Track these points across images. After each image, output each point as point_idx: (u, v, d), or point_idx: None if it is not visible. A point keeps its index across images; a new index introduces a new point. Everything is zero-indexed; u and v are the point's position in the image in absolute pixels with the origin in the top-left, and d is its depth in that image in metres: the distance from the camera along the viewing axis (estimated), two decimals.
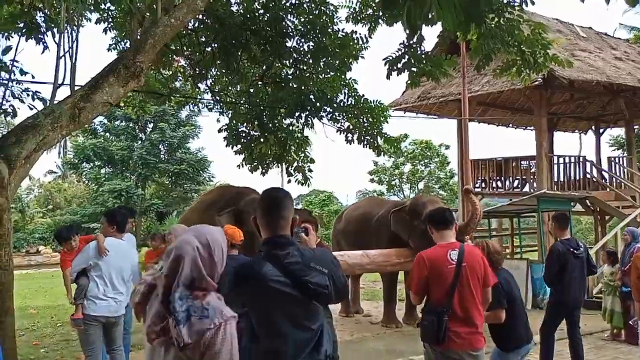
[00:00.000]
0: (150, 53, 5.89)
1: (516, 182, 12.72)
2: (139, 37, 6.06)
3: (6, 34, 4.91)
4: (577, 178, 12.48)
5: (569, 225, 5.40)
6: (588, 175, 12.75)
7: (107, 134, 27.29)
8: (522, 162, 12.52)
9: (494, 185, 12.95)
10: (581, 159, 12.73)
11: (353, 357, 6.12)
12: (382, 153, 8.10)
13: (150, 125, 27.46)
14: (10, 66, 5.06)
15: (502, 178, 12.84)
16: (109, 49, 8.83)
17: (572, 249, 5.00)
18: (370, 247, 7.61)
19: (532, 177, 12.05)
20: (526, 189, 12.26)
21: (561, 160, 12.83)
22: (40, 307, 10.15)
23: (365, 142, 8.03)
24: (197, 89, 10.11)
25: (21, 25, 4.98)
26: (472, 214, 7.04)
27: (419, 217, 7.54)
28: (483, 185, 13.20)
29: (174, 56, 9.07)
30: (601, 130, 16.27)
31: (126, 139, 26.85)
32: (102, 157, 26.05)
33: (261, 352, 2.10)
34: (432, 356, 3.30)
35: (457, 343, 3.14)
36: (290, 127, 8.20)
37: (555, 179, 11.98)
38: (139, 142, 27.03)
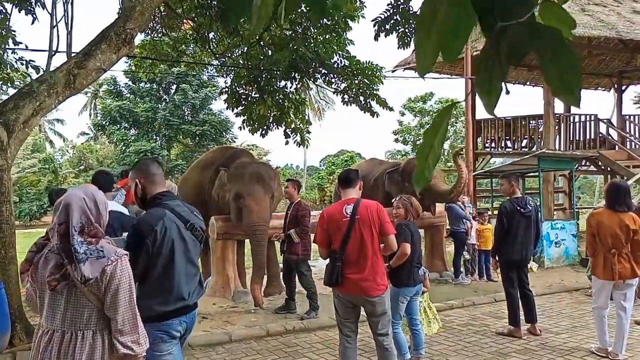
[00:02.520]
0: (139, 20, 6.13)
1: (525, 141, 12.61)
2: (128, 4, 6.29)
3: None
4: (589, 137, 12.29)
5: (520, 184, 5.54)
6: (600, 135, 12.52)
7: (132, 95, 27.90)
8: (531, 122, 12.38)
9: (503, 144, 12.87)
10: (592, 118, 12.47)
11: None
12: (376, 115, 8.19)
13: (174, 87, 27.91)
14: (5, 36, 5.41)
15: (511, 137, 12.74)
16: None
17: (519, 207, 5.14)
18: None
19: (539, 136, 11.93)
20: (535, 148, 12.17)
21: (575, 119, 12.63)
22: None
23: (360, 104, 8.15)
24: (204, 52, 10.30)
25: None
26: (457, 179, 7.19)
27: (409, 179, 7.75)
28: (492, 145, 13.14)
29: (183, 20, 9.26)
30: (623, 88, 15.77)
31: (150, 101, 27.44)
32: (128, 118, 26.76)
33: (158, 281, 2.52)
34: (336, 300, 3.72)
35: (350, 287, 3.53)
36: (286, 89, 8.37)
37: (565, 139, 11.83)
38: (163, 103, 27.58)
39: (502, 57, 0.76)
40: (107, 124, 27.40)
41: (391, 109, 7.98)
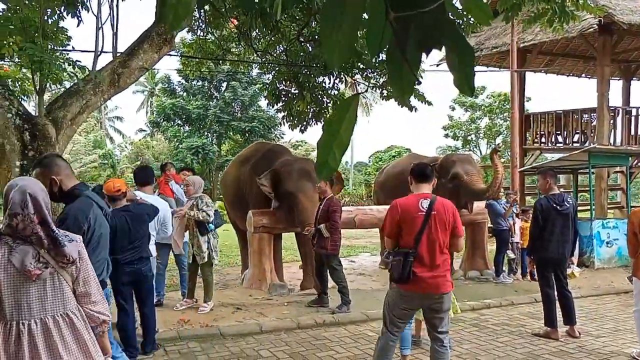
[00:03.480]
0: None
1: (577, 136, 12.04)
2: None
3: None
4: None
5: (557, 180, 5.33)
6: None
7: (185, 93, 28.82)
8: (584, 115, 11.79)
9: (553, 139, 12.34)
10: None
11: (371, 303, 6.45)
12: (414, 109, 8.08)
13: (224, 85, 28.58)
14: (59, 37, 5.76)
15: (562, 132, 12.20)
16: None
17: (555, 205, 4.92)
18: None
19: (592, 131, 11.35)
20: (588, 143, 11.60)
21: (632, 112, 11.93)
22: None
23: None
24: (249, 49, 10.49)
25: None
26: (493, 178, 7.01)
27: (446, 175, 7.62)
28: (542, 140, 12.63)
29: (228, 18, 9.48)
30: None
31: (202, 98, 28.25)
32: (181, 115, 27.69)
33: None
34: (396, 296, 3.50)
35: (420, 286, 3.36)
36: (325, 85, 8.41)
37: (621, 133, 11.22)
38: (214, 100, 28.33)
39: (409, 47, 0.77)
40: (162, 121, 28.44)
41: (430, 103, 7.82)
